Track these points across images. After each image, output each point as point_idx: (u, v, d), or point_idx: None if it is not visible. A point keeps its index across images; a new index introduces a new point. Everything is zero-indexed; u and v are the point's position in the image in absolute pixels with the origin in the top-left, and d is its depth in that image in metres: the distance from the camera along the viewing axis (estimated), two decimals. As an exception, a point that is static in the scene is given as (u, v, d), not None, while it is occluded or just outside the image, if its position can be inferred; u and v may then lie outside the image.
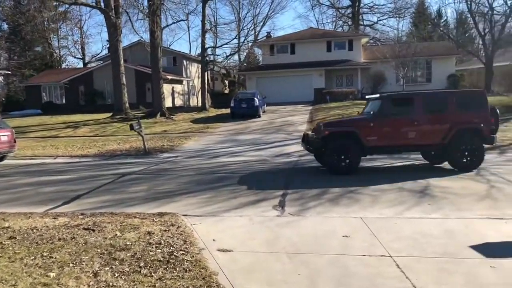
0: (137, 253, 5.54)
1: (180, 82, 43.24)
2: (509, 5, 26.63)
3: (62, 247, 5.84)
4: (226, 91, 48.03)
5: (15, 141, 16.09)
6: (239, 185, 10.35)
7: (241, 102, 26.95)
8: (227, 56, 37.54)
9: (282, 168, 12.82)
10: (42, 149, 19.36)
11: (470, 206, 7.97)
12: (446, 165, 11.84)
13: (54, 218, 7.51)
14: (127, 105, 30.88)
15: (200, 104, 37.24)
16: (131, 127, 16.88)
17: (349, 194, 9.12)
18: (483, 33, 34.87)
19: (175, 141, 19.60)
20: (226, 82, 50.40)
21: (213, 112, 31.70)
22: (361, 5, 54.57)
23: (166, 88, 38.70)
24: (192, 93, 46.79)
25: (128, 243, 5.93)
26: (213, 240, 6.26)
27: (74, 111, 36.33)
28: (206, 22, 33.56)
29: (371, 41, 51.22)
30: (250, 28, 51.12)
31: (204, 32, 32.61)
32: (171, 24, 44.02)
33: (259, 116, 27.01)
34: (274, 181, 10.77)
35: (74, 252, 5.62)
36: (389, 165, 12.84)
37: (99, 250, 5.66)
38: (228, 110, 28.72)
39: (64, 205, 9.00)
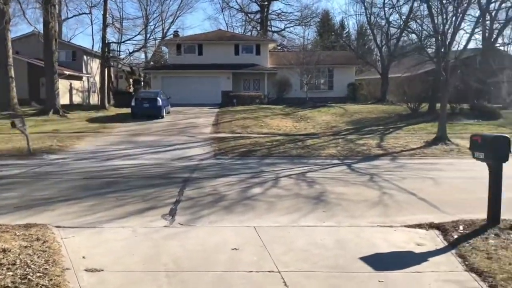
0: (-18, 277, 4.56)
1: (79, 78, 40.47)
2: (403, 19, 28.51)
3: None
4: (131, 90, 45.90)
5: None
6: (128, 192, 9.49)
7: (143, 102, 25.68)
8: (130, 53, 35.70)
9: (180, 172, 12.12)
10: None
11: (362, 213, 7.96)
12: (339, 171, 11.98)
13: None
14: (15, 100, 28.03)
15: (100, 102, 35.02)
16: (13, 125, 15.13)
17: (246, 201, 8.72)
18: (380, 45, 37.01)
19: (66, 141, 17.96)
20: (131, 80, 48.24)
21: (113, 111, 29.91)
22: (270, 11, 55.52)
23: (63, 84, 35.90)
24: (93, 91, 44.07)
25: (-27, 264, 4.90)
26: (83, 257, 5.43)
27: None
28: (108, 16, 31.67)
29: (278, 47, 52.24)
30: (157, 25, 49.49)
31: (105, 26, 30.76)
32: (72, 17, 41.39)
33: (162, 117, 25.95)
34: (168, 187, 10.06)
35: None
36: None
37: None
38: (130, 110, 27.22)
39: None
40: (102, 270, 5.02)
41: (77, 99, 40.04)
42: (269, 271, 5.08)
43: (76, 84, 40.02)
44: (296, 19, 54.78)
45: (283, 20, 56.11)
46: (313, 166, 13.43)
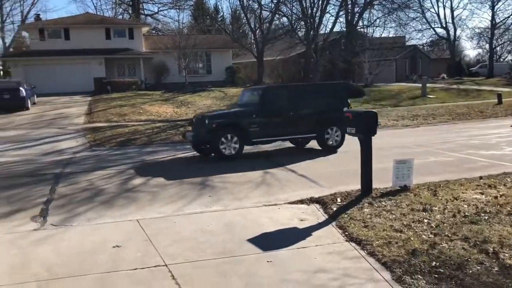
0: None
1: None
2: (274, 3, 29.38)
3: None
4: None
5: None
6: (-12, 195, 8.36)
7: (2, 93, 22.92)
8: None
9: (51, 168, 11.05)
10: None
11: (247, 194, 8.03)
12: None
13: None
14: None
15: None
16: None
17: (127, 194, 8.23)
18: (254, 29, 37.78)
19: None
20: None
21: (-34, 105, 26.29)
22: (141, -7, 53.19)
23: None
24: None
25: None
26: None
27: None
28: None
29: (153, 31, 50.54)
30: (13, 7, 44.43)
31: None
32: None
33: (28, 109, 23.48)
34: (38, 185, 9.08)
35: None
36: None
37: None
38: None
39: None
40: (-44, 290, 4.30)
41: None
42: (155, 266, 4.81)
43: None
44: (169, 2, 53.28)
45: (155, 3, 54.24)
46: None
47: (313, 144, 12.65)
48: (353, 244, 5.22)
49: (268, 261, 4.84)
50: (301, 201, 7.30)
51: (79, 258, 5.13)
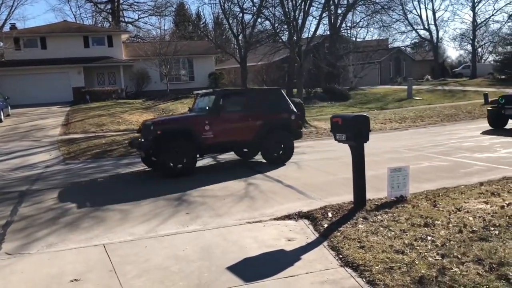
0: None
1: None
2: (256, 6, 28.76)
3: None
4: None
5: None
6: None
7: (-28, 105, 21.90)
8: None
9: (16, 185, 10.17)
10: None
11: (229, 209, 7.29)
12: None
13: None
14: None
15: None
16: None
17: (94, 213, 7.42)
18: (237, 34, 37.11)
19: None
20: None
21: None
22: (121, 1, 52.23)
23: None
24: None
25: None
26: None
27: None
28: None
29: (134, 38, 49.64)
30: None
31: None
32: None
33: (0, 121, 22.46)
34: (-3, 206, 8.23)
35: None
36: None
37: None
38: (-43, 116, 23.02)
39: None
40: None
41: None
42: (116, 306, 4.05)
43: None
44: (150, 9, 52.47)
45: (136, 10, 53.35)
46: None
47: (305, 149, 11.97)
48: (349, 270, 4.50)
49: (250, 297, 4.11)
50: (289, 217, 6.60)
51: (27, 298, 4.34)
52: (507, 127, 15.24)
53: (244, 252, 5.26)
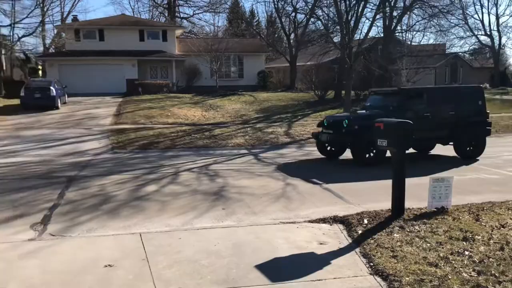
0: None
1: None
2: (309, 6, 28.57)
3: None
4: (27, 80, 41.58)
5: None
6: (-6, 197, 7.98)
7: (34, 92, 23.08)
8: (19, 38, 32.10)
9: (66, 170, 10.68)
10: None
11: (264, 208, 7.32)
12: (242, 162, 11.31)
13: None
14: None
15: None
16: None
17: (135, 202, 7.67)
18: (288, 33, 37.08)
19: None
20: (26, 69, 43.78)
21: (1, 102, 26.76)
22: (178, -4, 53.39)
23: None
24: (-21, 80, 39.38)
25: None
26: None
27: None
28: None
29: (188, 34, 50.58)
30: (54, 9, 45.33)
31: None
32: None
33: (57, 108, 23.58)
34: (47, 189, 8.68)
35: None
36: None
37: None
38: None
39: None
40: None
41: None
42: (144, 294, 4.17)
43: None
44: (205, 5, 53.29)
45: (191, 6, 54.33)
46: (218, 157, 12.65)
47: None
48: (378, 279, 4.41)
49: (274, 297, 4.12)
50: (323, 220, 6.53)
51: (63, 278, 4.55)
52: None
53: (274, 252, 5.27)
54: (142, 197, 8.03)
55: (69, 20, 45.08)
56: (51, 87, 23.34)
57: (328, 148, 12.14)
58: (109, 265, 4.86)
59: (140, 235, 5.92)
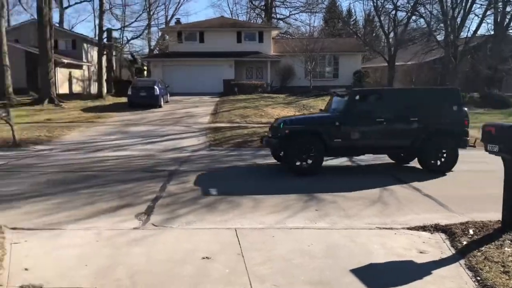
0: None
1: (79, 67, 39.68)
2: (411, 3, 27.33)
3: None
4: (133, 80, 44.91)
5: None
6: (105, 187, 8.68)
7: (139, 91, 24.83)
8: (128, 41, 34.77)
9: (167, 165, 11.31)
10: None
11: (359, 212, 7.12)
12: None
13: None
14: (10, 89, 27.22)
15: (97, 91, 34.26)
16: (-3, 114, 14.38)
17: (230, 198, 7.87)
18: (387, 32, 35.78)
19: (56, 131, 17.20)
20: (133, 69, 47.30)
21: (110, 100, 29.13)
22: (275, -2, 54.11)
23: (63, 72, 35.26)
24: (94, 80, 43.27)
25: None
26: (25, 269, 4.64)
27: None
28: (105, 2, 30.73)
29: (283, 34, 51.02)
30: (159, 12, 48.36)
31: (102, 12, 29.83)
32: (73, 5, 40.40)
33: (160, 106, 25.12)
34: (151, 181, 9.24)
35: None
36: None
37: None
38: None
39: None
40: (40, 287, 4.22)
41: (77, 88, 39.27)
42: (239, 288, 4.26)
43: (76, 73, 39.25)
44: (301, 6, 53.38)
45: (288, 7, 54.75)
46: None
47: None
48: (487, 296, 4.07)
49: (370, 304, 3.97)
50: (423, 228, 6.19)
51: (165, 267, 4.81)
52: None
53: (370, 257, 5.10)
54: (237, 193, 8.22)
55: (172, 23, 47.79)
56: (155, 87, 24.90)
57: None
58: (206, 257, 5.04)
59: (236, 230, 6.07)
